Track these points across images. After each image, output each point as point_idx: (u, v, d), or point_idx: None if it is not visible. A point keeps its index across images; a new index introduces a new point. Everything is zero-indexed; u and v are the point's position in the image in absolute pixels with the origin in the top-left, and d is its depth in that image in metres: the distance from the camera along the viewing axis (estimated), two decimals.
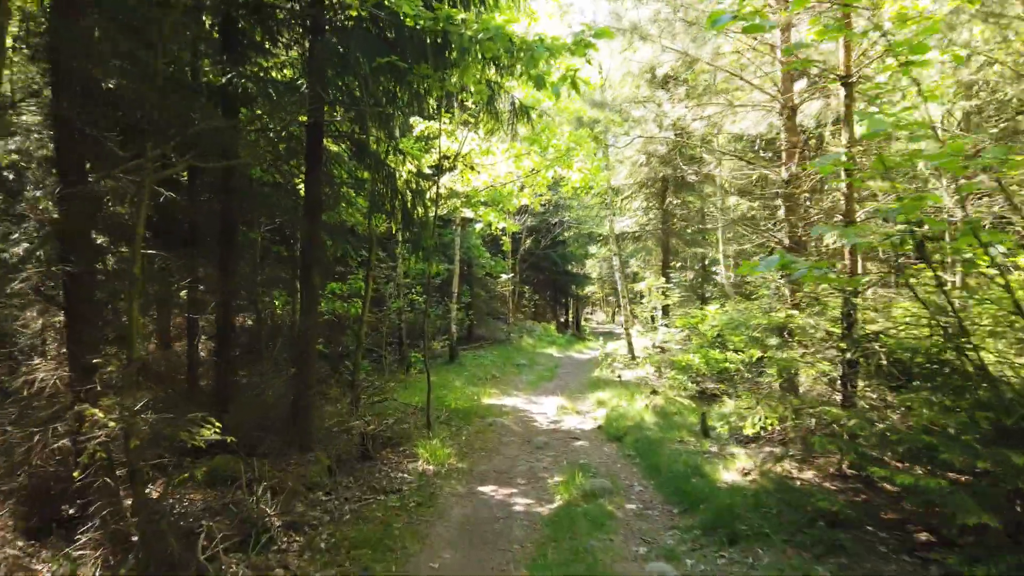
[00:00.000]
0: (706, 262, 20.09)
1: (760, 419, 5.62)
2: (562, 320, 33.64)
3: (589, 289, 42.77)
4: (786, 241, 7.59)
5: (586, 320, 46.50)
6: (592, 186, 10.32)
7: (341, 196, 7.30)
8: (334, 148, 7.74)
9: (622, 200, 16.63)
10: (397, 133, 6.25)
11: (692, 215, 16.51)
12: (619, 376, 12.34)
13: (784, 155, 7.50)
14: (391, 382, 13.01)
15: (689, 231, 16.16)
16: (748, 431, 5.68)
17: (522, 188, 10.98)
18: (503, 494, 6.14)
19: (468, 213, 11.15)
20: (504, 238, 11.52)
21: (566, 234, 30.71)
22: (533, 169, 10.31)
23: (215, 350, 7.25)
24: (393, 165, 6.41)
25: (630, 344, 13.91)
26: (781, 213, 9.07)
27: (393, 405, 9.98)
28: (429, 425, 8.63)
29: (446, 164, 10.12)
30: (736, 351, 9.42)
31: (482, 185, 10.60)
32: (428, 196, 9.56)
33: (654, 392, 9.80)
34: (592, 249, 36.69)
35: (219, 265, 7.16)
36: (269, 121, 6.14)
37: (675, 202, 16.12)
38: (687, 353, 10.81)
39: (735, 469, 5.86)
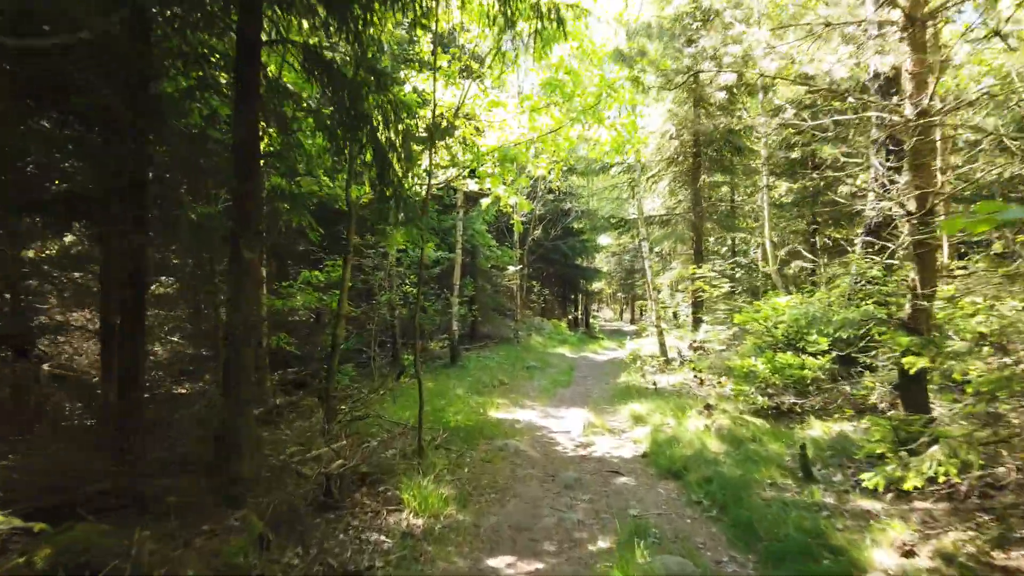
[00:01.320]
0: (735, 249, 17.99)
1: (931, 465, 3.55)
2: (571, 317, 31.58)
3: (596, 285, 40.74)
4: (911, 204, 5.49)
5: (593, 318, 44.42)
6: (627, 148, 8.25)
7: (296, 143, 5.24)
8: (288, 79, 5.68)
9: (648, 179, 14.55)
10: (369, 32, 4.18)
11: (722, 199, 14.44)
12: (654, 384, 10.27)
13: (909, 85, 5.41)
14: (381, 390, 10.99)
15: (723, 214, 14.07)
16: (911, 483, 3.62)
17: (537, 156, 8.91)
18: (525, 573, 4.10)
19: (472, 185, 9.09)
20: (515, 217, 9.43)
21: (576, 225, 28.67)
22: (552, 130, 8.24)
23: (120, 361, 5.24)
24: (364, 90, 4.33)
25: (662, 344, 11.86)
26: (874, 172, 6.99)
27: (377, 423, 7.94)
28: (421, 452, 6.60)
29: (443, 123, 8.08)
30: (816, 355, 7.36)
31: (488, 149, 8.54)
32: (422, 163, 7.56)
33: (708, 407, 7.72)
34: (603, 241, 34.63)
35: (126, 241, 5.14)
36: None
37: (709, 180, 14.03)
38: (743, 356, 8.75)
39: (887, 543, 3.79)
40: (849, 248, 16.99)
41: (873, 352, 7.08)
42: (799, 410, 7.00)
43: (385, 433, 7.79)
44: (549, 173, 8.87)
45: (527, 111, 8.10)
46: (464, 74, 8.34)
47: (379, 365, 11.50)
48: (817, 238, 16.52)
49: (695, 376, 10.46)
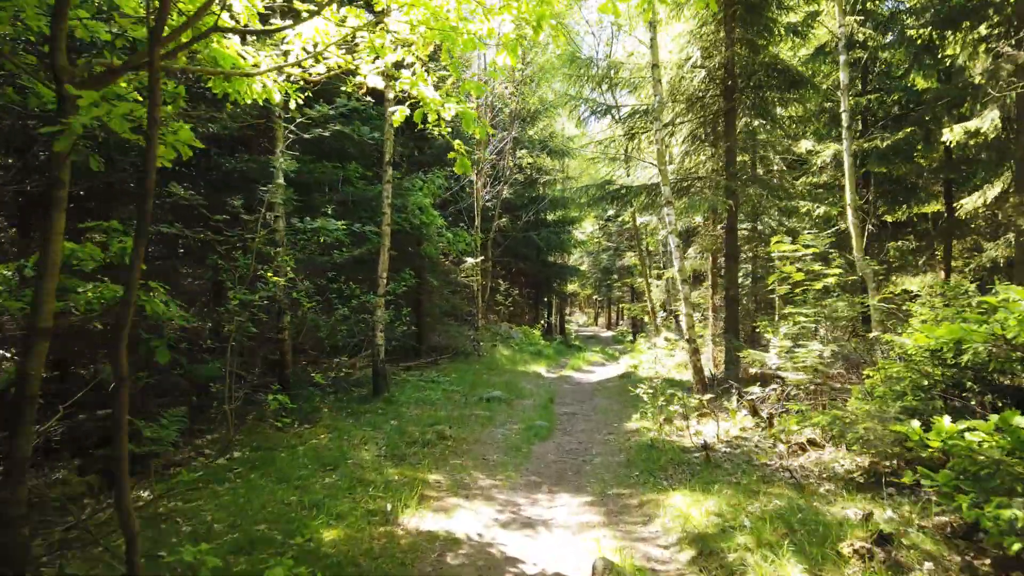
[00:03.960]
0: (759, 233, 13.92)
1: None
2: (544, 323, 27.26)
3: (570, 287, 36.55)
4: None
5: (566, 323, 40.13)
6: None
7: None
8: None
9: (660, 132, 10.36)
10: None
11: (764, 159, 10.35)
12: (703, 445, 5.91)
13: None
14: (232, 452, 6.47)
15: (765, 179, 9.95)
16: None
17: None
18: None
19: (374, 79, 4.63)
20: (457, 145, 4.95)
21: (550, 216, 24.45)
22: None
23: None
24: None
25: (698, 369, 7.45)
26: None
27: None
28: None
29: None
30: None
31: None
32: None
33: (884, 539, 3.41)
34: (580, 236, 30.56)
35: None
36: None
37: (754, 124, 9.91)
38: (873, 395, 4.56)
39: None
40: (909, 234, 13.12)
41: None
42: None
43: None
44: (520, 49, 4.52)
45: None
46: None
47: (235, 410, 6.89)
48: (870, 221, 12.59)
49: (763, 431, 6.20)
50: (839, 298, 6.09)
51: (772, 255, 6.39)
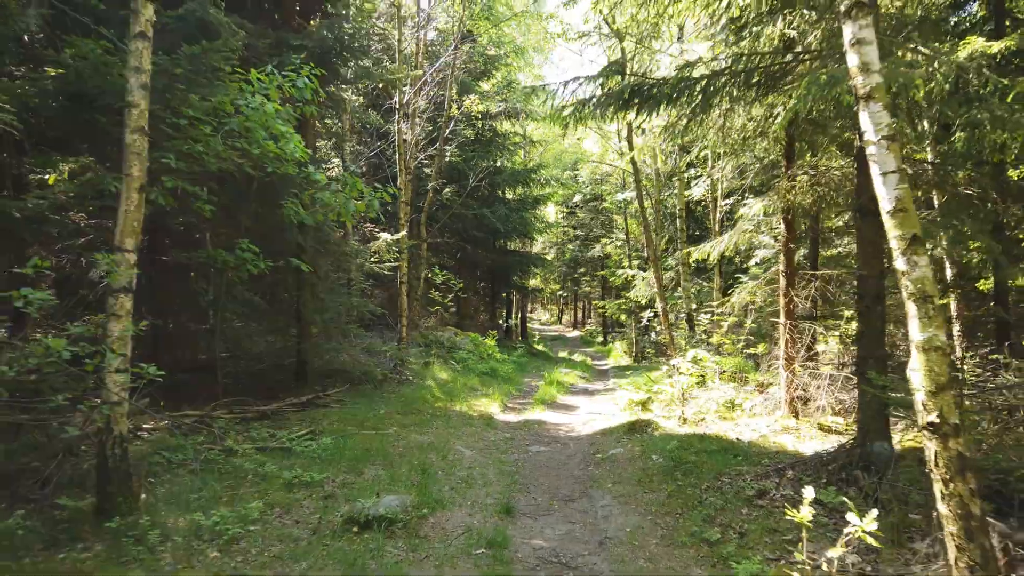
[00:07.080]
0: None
1: None
2: (504, 325, 22.14)
3: (532, 282, 31.64)
4: None
5: (527, 322, 35.04)
6: None
7: None
8: None
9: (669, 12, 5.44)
10: None
11: None
12: None
13: None
14: None
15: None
16: None
17: None
18: None
19: None
20: None
21: (510, 195, 19.48)
22: None
23: None
24: None
25: (962, 507, 2.23)
26: None
27: None
28: None
29: None
30: None
31: None
32: None
33: None
34: (546, 216, 25.75)
35: None
36: None
37: None
38: None
39: None
40: None
41: None
42: None
43: None
44: None
45: None
46: None
47: None
48: None
49: None
50: None
51: None
